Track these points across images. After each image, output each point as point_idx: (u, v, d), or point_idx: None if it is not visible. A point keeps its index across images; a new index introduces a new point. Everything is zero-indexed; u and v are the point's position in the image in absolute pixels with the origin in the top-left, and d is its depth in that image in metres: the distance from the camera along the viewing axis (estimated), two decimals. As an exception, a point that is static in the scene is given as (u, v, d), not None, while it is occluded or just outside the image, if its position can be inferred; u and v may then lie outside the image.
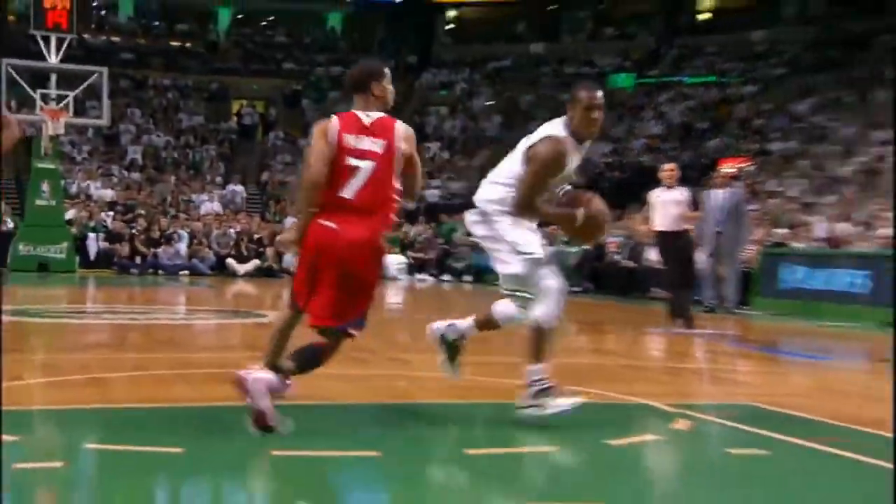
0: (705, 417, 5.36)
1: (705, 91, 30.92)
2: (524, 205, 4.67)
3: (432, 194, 27.67)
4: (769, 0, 32.78)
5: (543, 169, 4.71)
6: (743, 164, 21.17)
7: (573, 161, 4.99)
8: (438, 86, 33.38)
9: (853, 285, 15.39)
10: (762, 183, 22.67)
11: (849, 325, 13.38)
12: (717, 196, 13.55)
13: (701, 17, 34.32)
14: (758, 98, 29.31)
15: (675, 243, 11.06)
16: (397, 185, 4.47)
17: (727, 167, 13.64)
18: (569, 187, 5.13)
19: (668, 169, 11.84)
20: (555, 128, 4.89)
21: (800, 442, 4.30)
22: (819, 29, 30.41)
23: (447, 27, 35.10)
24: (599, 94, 4.78)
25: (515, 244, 4.70)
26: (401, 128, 4.45)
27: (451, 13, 35.07)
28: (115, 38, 32.33)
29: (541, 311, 4.61)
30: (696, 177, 20.18)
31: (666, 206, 11.14)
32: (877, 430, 4.86)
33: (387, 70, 4.54)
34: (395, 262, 20.80)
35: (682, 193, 11.36)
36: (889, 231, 17.16)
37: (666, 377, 8.11)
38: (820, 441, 4.54)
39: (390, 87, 4.51)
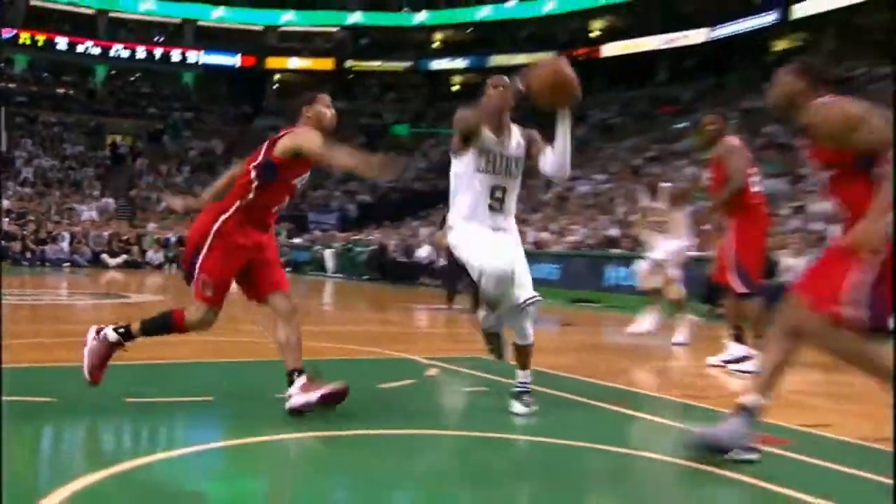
0: (448, 366, 5.64)
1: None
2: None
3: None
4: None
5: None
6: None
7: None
8: (269, 129, 35.57)
9: (550, 274, 16.61)
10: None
11: (548, 301, 15.52)
12: None
13: (454, 87, 36.04)
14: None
15: None
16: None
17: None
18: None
19: None
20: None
21: (507, 381, 4.37)
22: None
23: (274, 86, 36.40)
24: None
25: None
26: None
27: (277, 76, 36.25)
28: (12, 85, 32.19)
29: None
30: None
31: None
32: (563, 372, 5.60)
33: (322, 95, 4.27)
34: None
35: None
36: (573, 238, 21.70)
37: (426, 339, 8.85)
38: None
39: (322, 110, 4.21)
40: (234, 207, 4.06)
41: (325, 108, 4.23)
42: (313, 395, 3.88)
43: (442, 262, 16.02)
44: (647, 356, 6.98)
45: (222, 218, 4.05)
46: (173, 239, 24.91)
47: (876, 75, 23.04)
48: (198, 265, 4.03)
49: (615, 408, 4.51)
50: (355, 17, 33.93)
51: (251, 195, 4.06)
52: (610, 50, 31.94)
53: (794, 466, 3.40)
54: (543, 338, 6.24)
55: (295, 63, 34.95)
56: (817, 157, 3.43)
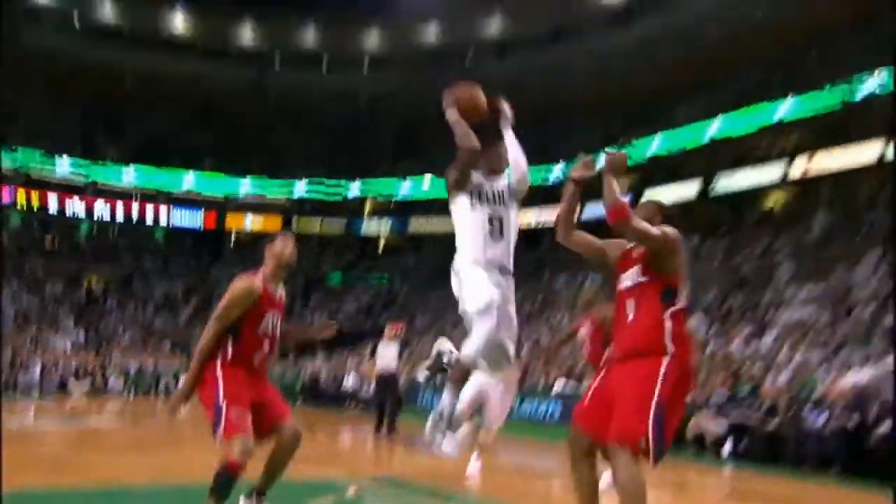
0: (370, 485, 5.43)
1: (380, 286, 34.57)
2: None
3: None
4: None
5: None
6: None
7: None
8: (225, 276, 34.01)
9: None
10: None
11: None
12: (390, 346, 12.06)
13: (379, 246, 37.10)
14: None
15: (390, 380, 11.51)
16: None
17: (393, 327, 12.54)
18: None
19: (392, 327, 12.37)
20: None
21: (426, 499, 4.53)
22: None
23: (231, 241, 36.59)
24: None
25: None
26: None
27: (233, 233, 36.36)
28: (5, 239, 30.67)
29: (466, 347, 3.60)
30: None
31: (385, 355, 11.62)
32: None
33: (282, 235, 4.11)
34: None
35: (396, 347, 11.88)
36: None
37: (350, 458, 8.80)
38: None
39: (280, 248, 3.99)
40: (220, 361, 3.80)
41: (283, 246, 4.04)
42: None
43: (368, 390, 16.19)
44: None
45: (218, 363, 3.79)
46: (133, 368, 24.70)
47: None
48: (213, 405, 3.65)
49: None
50: (301, 187, 34.84)
51: (229, 349, 3.82)
52: (505, 221, 33.49)
53: None
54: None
55: (249, 223, 35.36)
56: (637, 265, 3.41)
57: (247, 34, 35.18)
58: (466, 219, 3.85)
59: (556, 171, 31.33)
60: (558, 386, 15.80)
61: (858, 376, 11.75)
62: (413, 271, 33.84)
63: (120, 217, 33.88)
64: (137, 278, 33.58)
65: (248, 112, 34.82)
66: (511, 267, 3.88)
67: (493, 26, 33.60)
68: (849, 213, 21.55)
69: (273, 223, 34.33)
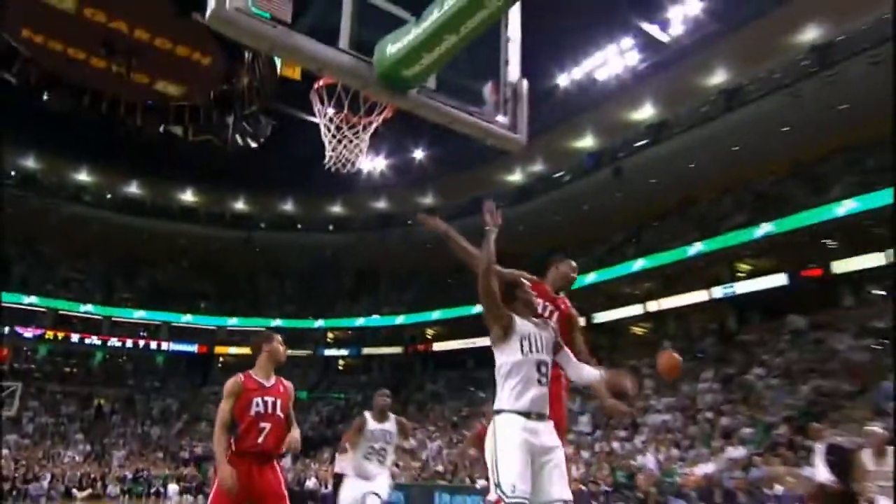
0: None
1: (339, 400, 33.25)
2: None
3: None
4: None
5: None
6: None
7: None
8: (212, 393, 31.49)
9: (399, 500, 15.53)
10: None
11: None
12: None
13: (340, 366, 36.87)
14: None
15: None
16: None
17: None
18: None
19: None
20: None
21: None
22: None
23: (219, 364, 35.43)
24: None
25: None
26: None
27: (221, 358, 35.41)
28: (33, 366, 29.88)
29: None
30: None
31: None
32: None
33: (274, 335, 3.82)
34: None
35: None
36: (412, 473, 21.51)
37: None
38: None
39: (276, 347, 3.75)
40: (228, 453, 3.50)
41: (278, 345, 3.79)
42: None
43: (326, 490, 16.10)
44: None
45: (227, 456, 3.45)
46: (129, 475, 23.32)
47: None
48: None
49: None
50: (277, 323, 34.48)
51: (233, 440, 3.58)
52: (437, 347, 33.76)
53: None
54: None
55: (234, 350, 34.55)
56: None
57: (239, 204, 36.02)
58: (515, 367, 3.10)
59: (476, 309, 32.17)
60: (480, 484, 15.68)
61: (706, 468, 12.21)
62: (365, 387, 33.42)
63: (129, 344, 32.82)
64: (138, 397, 32.06)
65: (238, 264, 35.11)
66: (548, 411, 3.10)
67: (428, 199, 35.32)
68: (687, 340, 22.88)
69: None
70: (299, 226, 36.78)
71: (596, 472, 12.86)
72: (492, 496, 2.75)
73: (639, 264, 25.43)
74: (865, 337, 16.90)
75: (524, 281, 3.51)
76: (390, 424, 5.70)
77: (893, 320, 14.84)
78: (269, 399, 3.65)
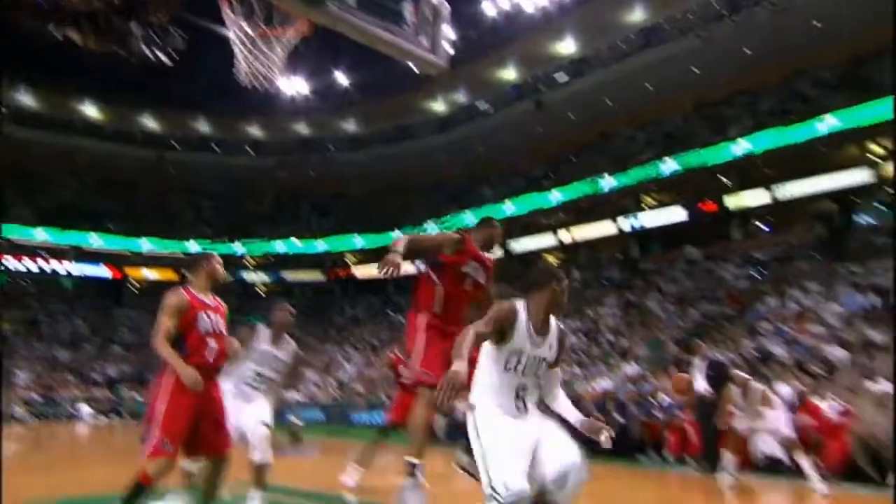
0: None
1: None
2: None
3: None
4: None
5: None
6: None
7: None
8: (124, 316, 31.59)
9: (318, 416, 17.86)
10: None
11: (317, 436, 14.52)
12: None
13: (261, 291, 38.89)
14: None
15: None
16: None
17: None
18: None
19: None
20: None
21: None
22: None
23: (135, 288, 34.45)
24: None
25: None
26: None
27: (135, 283, 34.46)
28: None
29: None
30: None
31: None
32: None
33: (215, 254, 3.57)
34: None
35: None
36: (333, 392, 21.66)
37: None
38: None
39: (216, 266, 3.49)
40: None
41: (217, 265, 3.55)
42: None
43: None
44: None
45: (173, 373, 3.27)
46: (38, 397, 22.65)
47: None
48: (152, 419, 3.19)
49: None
50: (194, 246, 33.39)
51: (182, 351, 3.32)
52: (358, 272, 33.87)
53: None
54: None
55: (149, 274, 33.25)
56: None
57: (149, 122, 33.80)
58: (493, 375, 2.68)
59: (396, 236, 32.33)
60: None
61: (604, 384, 13.20)
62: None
63: (32, 268, 30.79)
64: (44, 321, 30.56)
65: (149, 184, 33.28)
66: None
67: (350, 125, 34.48)
68: (595, 268, 24.17)
69: (168, 275, 32.48)
70: (216, 147, 35.06)
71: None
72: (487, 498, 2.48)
73: (555, 196, 26.20)
74: (747, 267, 18.50)
75: (453, 237, 3.52)
76: (284, 352, 4.54)
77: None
78: (213, 316, 3.48)
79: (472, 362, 2.60)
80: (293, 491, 5.22)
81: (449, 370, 2.41)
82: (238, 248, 34.43)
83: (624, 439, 9.09)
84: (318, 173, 34.24)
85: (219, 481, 3.37)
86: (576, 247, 26.75)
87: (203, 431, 3.25)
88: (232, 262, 34.55)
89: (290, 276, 34.19)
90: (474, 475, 2.85)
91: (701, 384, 7.35)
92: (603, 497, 5.10)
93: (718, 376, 7.31)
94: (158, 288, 32.06)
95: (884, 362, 9.28)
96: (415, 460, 3.26)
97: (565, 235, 26.30)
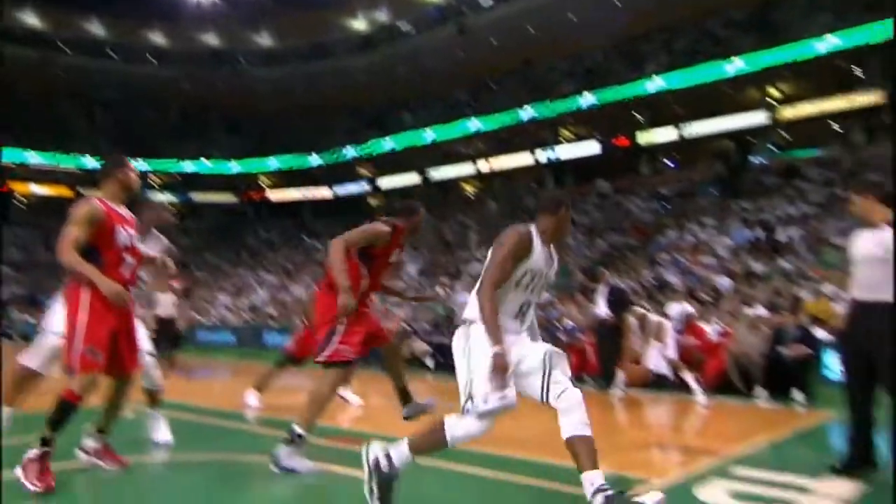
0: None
1: None
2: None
3: None
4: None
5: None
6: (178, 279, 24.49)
7: None
8: (11, 234, 29.31)
9: (229, 339, 16.52)
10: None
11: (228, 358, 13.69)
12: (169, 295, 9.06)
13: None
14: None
15: (168, 323, 8.81)
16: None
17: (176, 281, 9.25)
18: None
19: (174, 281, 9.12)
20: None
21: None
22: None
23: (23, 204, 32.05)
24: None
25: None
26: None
27: (24, 198, 32.18)
28: None
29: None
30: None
31: (165, 303, 8.89)
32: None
33: (128, 161, 3.18)
34: None
35: (173, 296, 9.21)
36: (245, 315, 21.29)
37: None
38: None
39: (130, 174, 3.15)
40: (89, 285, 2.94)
41: (132, 173, 3.20)
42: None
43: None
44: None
45: (86, 286, 2.95)
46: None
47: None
48: (72, 331, 2.87)
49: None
50: (90, 161, 31.05)
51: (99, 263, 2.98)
52: (273, 195, 32.88)
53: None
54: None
55: (36, 189, 30.79)
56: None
57: (28, 17, 30.12)
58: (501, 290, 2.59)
59: (314, 159, 31.40)
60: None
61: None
62: (193, 233, 31.90)
63: None
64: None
65: (33, 89, 30.04)
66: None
67: (264, 38, 32.37)
68: (512, 198, 24.62)
69: (61, 191, 30.17)
70: (112, 52, 31.98)
71: (419, 313, 13.88)
72: (461, 413, 2.48)
73: (474, 125, 26.10)
74: (653, 201, 19.44)
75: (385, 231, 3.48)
76: (154, 248, 3.99)
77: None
78: (130, 231, 3.12)
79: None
80: (200, 409, 5.18)
81: (494, 352, 2.39)
82: (141, 165, 32.26)
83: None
84: (228, 88, 32.18)
85: (123, 402, 3.22)
86: (492, 176, 27.03)
87: (119, 349, 3.02)
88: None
89: (200, 197, 32.61)
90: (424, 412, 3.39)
91: (602, 309, 7.79)
92: (513, 414, 5.41)
93: (618, 301, 7.78)
94: (50, 205, 30.24)
95: (761, 291, 10.20)
96: (301, 431, 3.23)
97: (483, 165, 26.45)
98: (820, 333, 7.43)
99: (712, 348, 7.44)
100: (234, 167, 32.39)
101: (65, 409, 2.85)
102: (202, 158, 32.24)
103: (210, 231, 31.85)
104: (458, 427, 2.50)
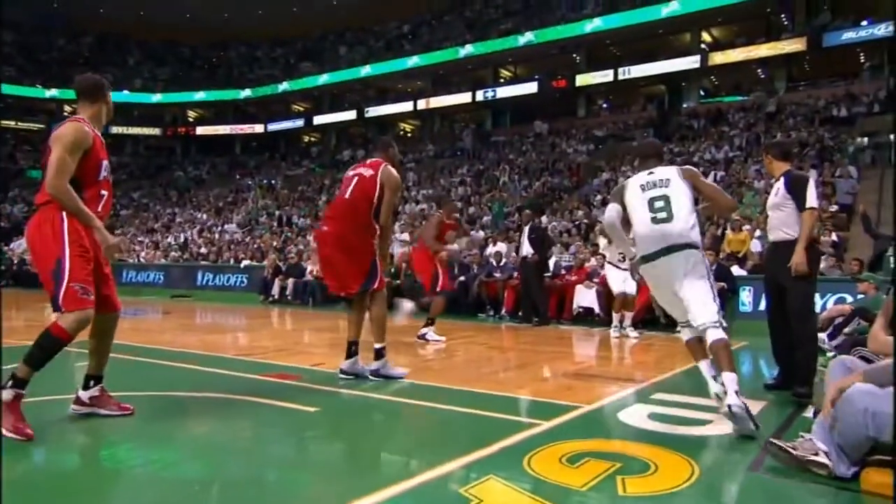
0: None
1: None
2: None
3: None
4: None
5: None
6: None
7: None
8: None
9: (157, 279, 15.15)
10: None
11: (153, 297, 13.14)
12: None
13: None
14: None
15: None
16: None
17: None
18: None
19: None
20: None
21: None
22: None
23: None
24: None
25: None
26: None
27: None
28: None
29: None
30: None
31: None
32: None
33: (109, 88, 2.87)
34: None
35: None
36: (174, 253, 20.79)
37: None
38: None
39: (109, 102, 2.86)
40: (65, 214, 2.63)
41: (109, 95, 2.89)
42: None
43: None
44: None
45: (63, 214, 2.63)
46: None
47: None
48: (55, 263, 2.56)
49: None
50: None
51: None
52: (201, 130, 31.32)
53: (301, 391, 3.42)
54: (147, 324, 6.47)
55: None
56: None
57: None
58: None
59: (245, 93, 29.90)
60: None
61: (451, 247, 13.82)
62: (116, 169, 30.24)
63: None
64: None
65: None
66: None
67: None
68: (450, 139, 24.42)
69: None
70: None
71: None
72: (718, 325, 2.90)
73: (413, 61, 25.43)
74: (588, 143, 19.71)
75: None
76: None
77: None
78: (108, 162, 2.82)
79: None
80: (119, 346, 4.98)
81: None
82: (52, 93, 29.92)
83: (466, 298, 9.71)
84: (148, 15, 29.84)
85: (111, 341, 2.92)
86: (431, 115, 26.63)
87: (103, 286, 2.75)
88: (44, 110, 30.21)
89: (119, 130, 30.60)
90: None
91: (525, 248, 8.01)
92: (448, 350, 5.52)
93: (539, 240, 8.02)
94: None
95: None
96: (380, 345, 3.95)
97: (422, 103, 25.97)
98: (737, 270, 7.86)
99: (642, 288, 7.74)
100: (157, 98, 30.47)
101: (51, 347, 2.56)
102: (124, 90, 30.12)
103: (133, 167, 30.19)
104: (725, 334, 2.89)
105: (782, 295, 3.58)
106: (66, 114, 30.40)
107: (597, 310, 8.41)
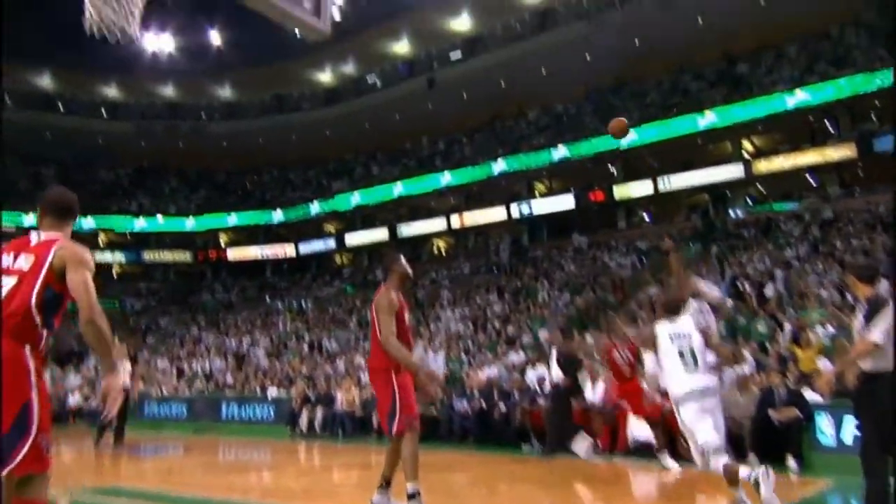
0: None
1: (112, 310, 32.86)
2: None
3: None
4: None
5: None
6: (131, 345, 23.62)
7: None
8: None
9: (180, 412, 17.00)
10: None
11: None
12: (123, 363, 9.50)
13: (114, 273, 36.31)
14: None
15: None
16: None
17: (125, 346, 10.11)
18: None
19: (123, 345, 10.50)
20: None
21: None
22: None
23: None
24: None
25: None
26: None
27: None
28: None
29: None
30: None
31: None
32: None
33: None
34: None
35: (128, 364, 9.64)
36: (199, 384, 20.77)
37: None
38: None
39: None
40: (33, 354, 2.40)
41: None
42: None
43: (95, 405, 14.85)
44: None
45: (29, 356, 2.38)
46: None
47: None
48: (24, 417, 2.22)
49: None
50: (30, 220, 30.19)
51: (43, 340, 2.45)
52: (232, 254, 32.50)
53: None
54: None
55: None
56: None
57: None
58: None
59: (277, 216, 31.30)
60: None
61: (489, 371, 13.51)
62: (147, 296, 31.28)
63: None
64: None
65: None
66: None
67: (226, 91, 32.78)
68: (485, 255, 24.78)
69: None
70: (60, 106, 31.95)
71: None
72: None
73: (446, 179, 26.49)
74: (631, 255, 19.76)
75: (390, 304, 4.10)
76: None
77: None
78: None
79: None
80: (141, 493, 4.89)
81: None
82: (89, 223, 31.79)
83: (507, 427, 9.35)
84: (186, 144, 32.25)
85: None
86: (465, 232, 27.27)
87: None
88: (81, 240, 31.80)
89: (153, 255, 32.04)
90: None
91: (555, 372, 7.87)
92: (486, 483, 5.27)
93: (567, 364, 7.87)
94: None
95: (746, 348, 10.25)
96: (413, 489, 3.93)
97: (455, 220, 26.71)
98: (810, 395, 7.45)
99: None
100: (189, 224, 32.07)
101: None
102: (158, 216, 31.88)
103: (161, 293, 31.19)
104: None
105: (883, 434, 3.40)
106: (101, 243, 32.23)
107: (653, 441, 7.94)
